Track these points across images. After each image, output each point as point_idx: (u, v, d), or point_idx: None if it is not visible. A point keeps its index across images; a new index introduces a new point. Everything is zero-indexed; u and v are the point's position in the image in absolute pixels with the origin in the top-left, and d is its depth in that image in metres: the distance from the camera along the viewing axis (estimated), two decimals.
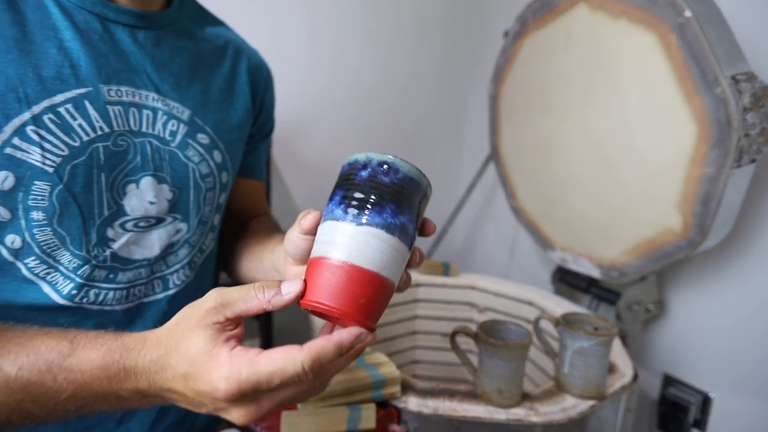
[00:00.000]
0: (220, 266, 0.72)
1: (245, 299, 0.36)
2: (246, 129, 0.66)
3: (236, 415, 0.36)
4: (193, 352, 0.35)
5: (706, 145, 0.79)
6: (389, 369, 0.71)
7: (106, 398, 0.38)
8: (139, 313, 0.56)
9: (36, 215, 0.46)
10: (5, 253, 0.46)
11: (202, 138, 0.57)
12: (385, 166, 0.37)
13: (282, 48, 1.21)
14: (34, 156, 0.45)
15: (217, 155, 0.59)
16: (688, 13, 0.78)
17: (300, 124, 1.28)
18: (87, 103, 0.48)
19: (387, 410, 0.69)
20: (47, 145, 0.45)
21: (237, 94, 0.63)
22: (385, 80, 1.44)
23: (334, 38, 1.32)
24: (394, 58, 1.44)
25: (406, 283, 0.41)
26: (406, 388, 0.73)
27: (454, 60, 1.57)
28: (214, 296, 0.36)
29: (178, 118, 0.55)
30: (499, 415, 0.69)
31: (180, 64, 0.56)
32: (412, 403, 0.70)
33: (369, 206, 0.36)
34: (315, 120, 1.32)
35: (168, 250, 0.57)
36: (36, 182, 0.45)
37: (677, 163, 0.84)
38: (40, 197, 0.46)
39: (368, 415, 0.66)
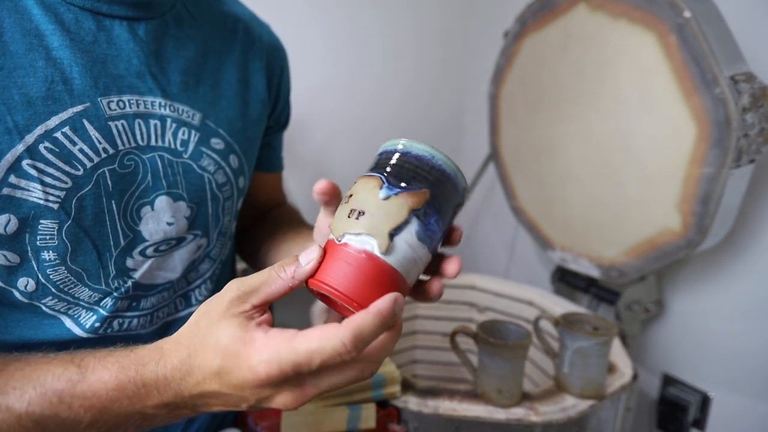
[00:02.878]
0: (244, 261, 0.69)
1: (268, 282, 0.34)
2: (262, 123, 0.60)
3: (282, 400, 0.33)
4: (224, 344, 0.32)
5: (706, 145, 0.79)
6: (389, 368, 0.71)
7: (130, 418, 0.35)
8: (164, 333, 0.53)
9: (47, 255, 0.42)
10: (19, 296, 0.42)
11: (216, 143, 0.52)
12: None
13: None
14: (35, 193, 0.40)
15: (234, 160, 0.54)
16: (687, 14, 0.78)
17: (300, 124, 1.28)
18: (86, 123, 0.42)
19: (387, 410, 0.69)
20: (48, 179, 0.40)
21: (251, 85, 0.57)
22: (384, 80, 1.44)
23: (334, 38, 1.32)
24: (394, 58, 1.44)
25: (434, 291, 0.37)
26: (406, 387, 0.73)
27: (454, 60, 1.57)
28: (234, 287, 0.34)
29: (189, 123, 0.49)
30: (499, 414, 0.69)
31: (186, 57, 0.50)
32: (412, 403, 0.70)
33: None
34: (315, 120, 1.32)
35: (189, 268, 0.53)
36: (42, 221, 0.41)
37: (676, 163, 0.84)
38: (48, 236, 0.41)
39: (368, 415, 0.66)
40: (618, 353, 0.86)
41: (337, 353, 0.30)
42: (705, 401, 1.03)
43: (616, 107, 0.94)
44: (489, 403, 0.71)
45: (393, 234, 0.33)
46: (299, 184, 1.31)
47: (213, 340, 0.33)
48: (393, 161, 0.35)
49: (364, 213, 0.33)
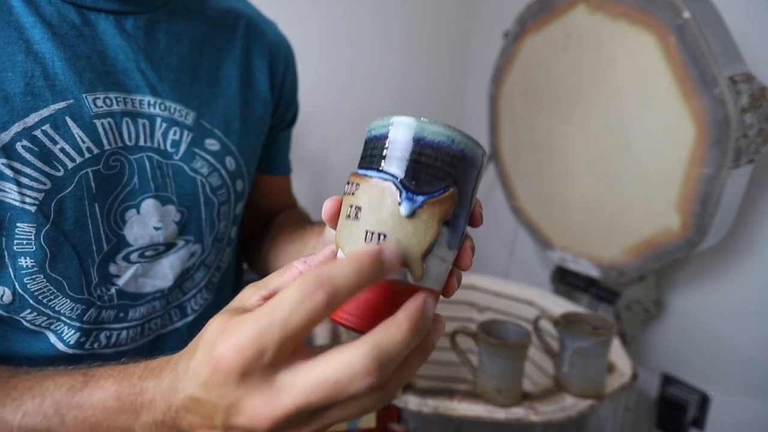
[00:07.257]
0: (251, 269, 0.66)
1: (280, 272, 0.30)
2: (264, 124, 0.57)
3: (250, 407, 0.24)
4: (206, 335, 0.26)
5: (705, 145, 0.80)
6: None
7: None
8: (158, 345, 0.50)
9: (24, 262, 0.39)
10: None
11: (211, 144, 0.49)
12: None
13: None
14: (10, 194, 0.37)
15: (230, 162, 0.51)
16: (686, 15, 0.78)
17: (300, 123, 1.28)
18: (69, 120, 0.39)
19: (387, 409, 0.69)
20: (24, 180, 0.37)
21: (252, 83, 0.54)
22: (384, 80, 1.44)
23: (333, 38, 1.33)
24: (394, 58, 1.45)
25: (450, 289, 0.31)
26: (406, 387, 0.73)
27: (454, 60, 1.57)
28: (249, 286, 0.30)
29: (181, 123, 0.47)
30: (499, 414, 0.69)
31: (180, 54, 0.47)
32: (412, 403, 0.70)
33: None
34: (315, 119, 1.32)
35: (183, 276, 0.50)
36: (18, 224, 0.38)
37: (676, 163, 0.84)
38: (25, 241, 0.38)
39: (368, 415, 0.67)
40: (617, 353, 0.86)
41: (350, 368, 0.23)
42: (704, 401, 1.03)
43: (616, 108, 0.94)
44: (489, 403, 0.71)
45: (425, 256, 0.27)
46: (299, 184, 1.32)
47: (203, 334, 0.27)
48: (401, 154, 0.27)
49: (385, 236, 0.26)
